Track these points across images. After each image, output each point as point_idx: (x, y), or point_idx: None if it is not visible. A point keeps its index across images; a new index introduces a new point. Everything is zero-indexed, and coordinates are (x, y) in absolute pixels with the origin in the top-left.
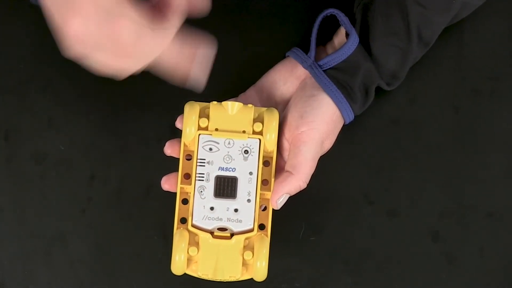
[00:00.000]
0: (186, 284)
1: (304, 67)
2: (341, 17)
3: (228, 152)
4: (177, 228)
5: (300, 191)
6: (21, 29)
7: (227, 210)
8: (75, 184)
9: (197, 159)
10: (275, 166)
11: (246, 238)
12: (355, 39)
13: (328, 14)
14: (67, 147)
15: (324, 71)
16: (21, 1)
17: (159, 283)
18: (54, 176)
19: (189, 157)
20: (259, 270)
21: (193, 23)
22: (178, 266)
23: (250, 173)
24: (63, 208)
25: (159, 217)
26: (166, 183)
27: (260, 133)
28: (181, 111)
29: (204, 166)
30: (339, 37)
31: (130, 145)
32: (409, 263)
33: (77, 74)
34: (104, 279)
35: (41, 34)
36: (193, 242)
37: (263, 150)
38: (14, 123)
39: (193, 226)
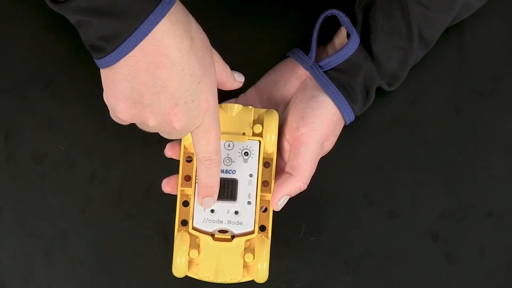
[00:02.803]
0: (187, 284)
1: (305, 68)
2: (342, 17)
3: (228, 154)
4: (177, 231)
5: (301, 192)
6: (21, 29)
7: (228, 212)
8: (75, 184)
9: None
10: (275, 167)
11: (247, 240)
12: (356, 39)
13: (329, 15)
14: (67, 147)
15: (324, 72)
16: (21, 1)
17: (159, 283)
18: (54, 176)
19: (189, 159)
20: (260, 272)
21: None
22: (179, 268)
23: (250, 175)
24: (63, 208)
25: (159, 217)
26: (167, 186)
27: (260, 134)
28: None
29: None
30: (340, 38)
31: (130, 145)
32: (409, 263)
33: (77, 74)
34: (104, 279)
35: (41, 34)
36: (194, 244)
37: (263, 152)
38: (14, 123)
39: (193, 228)
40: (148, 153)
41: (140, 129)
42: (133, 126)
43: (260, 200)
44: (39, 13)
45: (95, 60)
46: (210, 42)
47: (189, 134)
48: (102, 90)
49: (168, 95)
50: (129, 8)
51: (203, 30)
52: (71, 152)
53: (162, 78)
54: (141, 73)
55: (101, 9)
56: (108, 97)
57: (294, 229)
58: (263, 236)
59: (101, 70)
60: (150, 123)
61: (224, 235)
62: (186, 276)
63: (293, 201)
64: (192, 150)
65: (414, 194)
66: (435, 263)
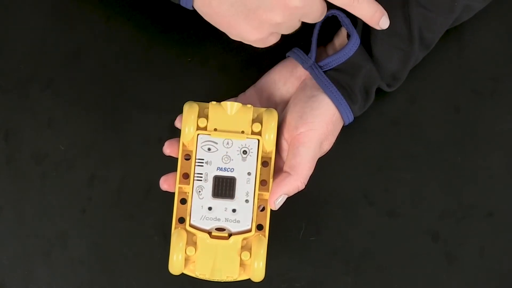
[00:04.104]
0: (186, 284)
1: (305, 68)
2: (343, 18)
3: (227, 152)
4: (175, 228)
5: (300, 191)
6: (21, 29)
7: (225, 210)
8: (75, 184)
9: (195, 159)
10: (273, 166)
11: (244, 239)
12: (356, 40)
13: (330, 15)
14: (67, 147)
15: (324, 72)
16: (21, 1)
17: (159, 283)
18: (54, 176)
19: (188, 157)
20: (257, 271)
21: (194, 23)
22: (175, 265)
23: (249, 174)
24: (63, 208)
25: (159, 217)
26: (165, 183)
27: (259, 133)
28: (180, 111)
29: (202, 166)
30: (340, 38)
31: (130, 145)
32: (409, 263)
33: (77, 74)
34: (104, 279)
35: (41, 34)
36: (191, 242)
37: (262, 151)
38: (14, 123)
39: (191, 226)
40: (148, 153)
41: (140, 129)
42: (132, 126)
43: (258, 198)
44: (39, 13)
45: (183, 6)
46: (209, 41)
47: (189, 132)
48: (101, 90)
49: None
50: None
51: (204, 30)
52: (71, 152)
53: None
54: None
55: None
56: (230, 32)
57: (294, 229)
58: (260, 235)
59: (203, 15)
60: (277, 20)
61: (221, 233)
62: (186, 276)
63: (293, 201)
64: (190, 148)
65: (414, 194)
66: (435, 263)
